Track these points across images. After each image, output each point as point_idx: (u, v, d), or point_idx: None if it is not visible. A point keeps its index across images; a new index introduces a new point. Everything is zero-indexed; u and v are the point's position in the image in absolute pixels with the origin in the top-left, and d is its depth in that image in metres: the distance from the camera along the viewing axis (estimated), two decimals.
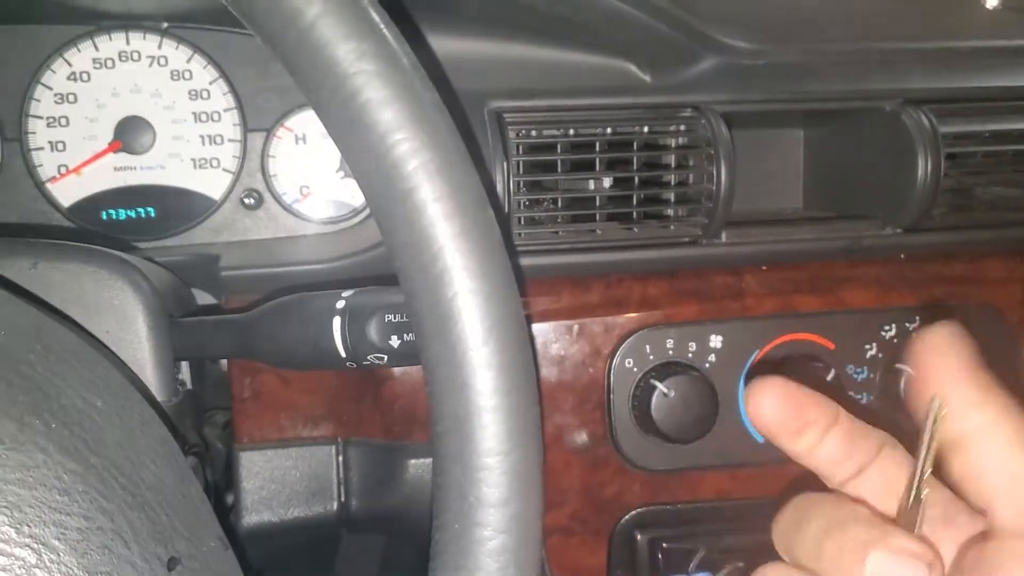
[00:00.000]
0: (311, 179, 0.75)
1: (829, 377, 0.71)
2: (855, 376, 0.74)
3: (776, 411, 0.38)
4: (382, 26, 0.35)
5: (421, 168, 0.34)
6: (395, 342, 0.48)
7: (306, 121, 0.74)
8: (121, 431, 0.36)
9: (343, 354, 0.50)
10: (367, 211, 0.74)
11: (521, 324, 0.36)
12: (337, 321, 0.49)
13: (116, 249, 0.57)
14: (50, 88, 0.71)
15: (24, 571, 0.30)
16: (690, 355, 0.71)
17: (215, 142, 0.73)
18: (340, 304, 0.50)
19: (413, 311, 0.36)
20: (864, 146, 0.75)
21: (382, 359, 0.49)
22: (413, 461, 0.72)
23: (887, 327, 0.74)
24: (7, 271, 0.50)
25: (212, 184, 0.73)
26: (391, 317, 0.48)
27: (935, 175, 0.70)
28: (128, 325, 0.52)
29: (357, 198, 0.75)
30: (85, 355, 0.39)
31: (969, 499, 0.36)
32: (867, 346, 0.74)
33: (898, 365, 0.73)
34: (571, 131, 0.68)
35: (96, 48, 0.71)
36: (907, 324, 0.74)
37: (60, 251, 0.53)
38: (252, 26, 0.35)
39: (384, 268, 0.69)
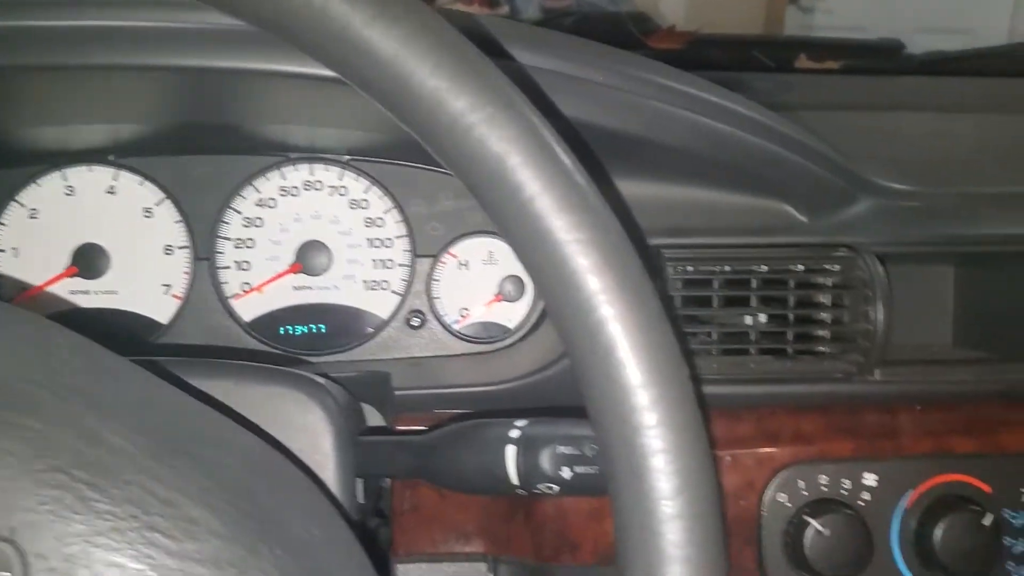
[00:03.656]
0: (470, 302, 0.79)
1: (987, 521, 0.69)
2: (1013, 521, 0.72)
3: None
4: (592, 196, 0.38)
5: (621, 328, 0.37)
6: (567, 473, 0.50)
7: (469, 248, 0.78)
8: (335, 560, 0.39)
9: (516, 481, 0.52)
10: (519, 333, 0.78)
11: (711, 474, 0.38)
12: (511, 449, 0.52)
13: (291, 364, 0.61)
14: (239, 212, 0.78)
15: None
16: (843, 492, 0.70)
17: (386, 266, 0.78)
18: (515, 433, 0.52)
19: (603, 449, 0.38)
20: (1021, 288, 0.75)
21: (553, 489, 0.51)
22: None
23: None
24: (213, 392, 0.54)
25: (381, 304, 0.78)
26: (564, 449, 0.51)
27: None
28: (318, 445, 0.55)
29: (512, 320, 0.79)
30: (301, 483, 0.42)
31: None
32: None
33: None
34: (727, 267, 0.70)
35: (283, 177, 0.78)
36: None
37: (259, 373, 0.57)
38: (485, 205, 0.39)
39: (538, 395, 0.71)
